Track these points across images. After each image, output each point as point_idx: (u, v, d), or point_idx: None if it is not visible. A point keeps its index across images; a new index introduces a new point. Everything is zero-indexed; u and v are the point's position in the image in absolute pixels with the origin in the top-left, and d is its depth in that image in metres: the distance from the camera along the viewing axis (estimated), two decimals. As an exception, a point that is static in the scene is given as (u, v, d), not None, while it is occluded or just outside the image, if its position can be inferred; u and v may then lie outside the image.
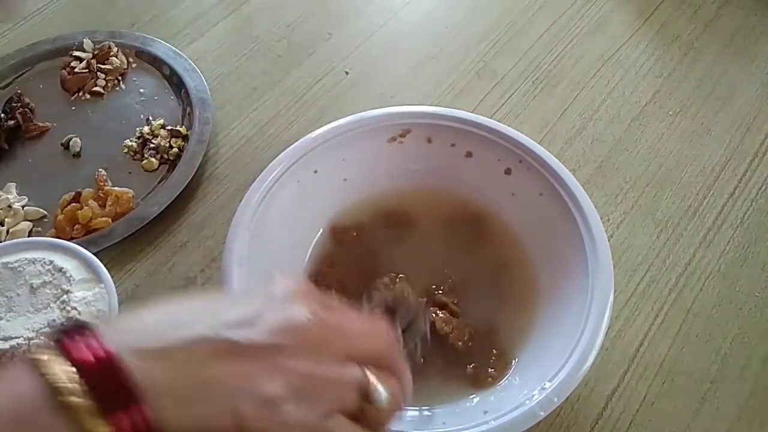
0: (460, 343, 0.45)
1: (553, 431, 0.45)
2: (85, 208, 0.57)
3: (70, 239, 0.55)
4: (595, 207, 0.45)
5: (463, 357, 0.45)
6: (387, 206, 0.52)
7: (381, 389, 0.28)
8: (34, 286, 0.48)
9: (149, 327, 0.26)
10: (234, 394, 0.25)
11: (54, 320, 0.46)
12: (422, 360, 0.45)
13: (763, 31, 0.69)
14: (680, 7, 0.72)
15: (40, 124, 0.65)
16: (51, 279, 0.48)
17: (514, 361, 0.44)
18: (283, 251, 0.49)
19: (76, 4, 0.76)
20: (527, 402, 0.38)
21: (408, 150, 0.52)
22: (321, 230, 0.52)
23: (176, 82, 0.67)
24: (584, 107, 0.64)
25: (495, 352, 0.45)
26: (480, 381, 0.44)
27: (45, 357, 0.24)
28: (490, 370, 0.44)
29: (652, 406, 0.46)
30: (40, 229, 0.58)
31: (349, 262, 0.50)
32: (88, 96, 0.67)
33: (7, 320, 0.46)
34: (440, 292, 0.48)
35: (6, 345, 0.45)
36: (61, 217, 0.57)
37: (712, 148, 0.60)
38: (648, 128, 0.62)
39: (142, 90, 0.67)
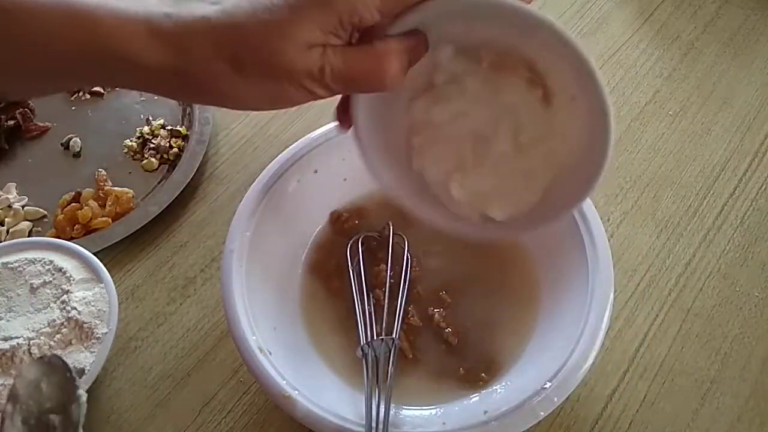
0: (457, 340, 0.45)
1: (553, 431, 0.45)
2: (85, 208, 0.57)
3: (70, 239, 0.55)
4: (595, 207, 0.45)
5: (457, 357, 0.45)
6: (387, 206, 0.52)
7: None
8: (34, 286, 0.48)
9: None
10: None
11: (54, 320, 0.46)
12: (411, 356, 0.45)
13: (763, 31, 0.69)
14: (680, 7, 0.72)
15: (40, 124, 0.65)
16: (51, 279, 0.49)
17: (508, 365, 0.44)
18: (283, 251, 0.49)
19: (76, 4, 0.76)
20: (527, 402, 0.38)
21: (408, 150, 0.52)
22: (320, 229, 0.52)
23: (176, 82, 0.66)
24: (584, 107, 0.64)
25: (489, 355, 0.45)
26: (471, 383, 0.44)
27: None
28: (482, 374, 0.44)
29: (652, 406, 0.46)
30: (40, 229, 0.58)
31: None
32: (88, 96, 0.67)
33: (7, 320, 0.47)
34: (443, 292, 0.48)
35: (6, 345, 0.45)
36: (61, 217, 0.57)
37: (712, 148, 0.60)
38: (648, 128, 0.62)
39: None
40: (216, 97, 0.31)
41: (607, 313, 0.41)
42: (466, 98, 0.37)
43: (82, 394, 0.39)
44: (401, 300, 0.45)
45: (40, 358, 0.40)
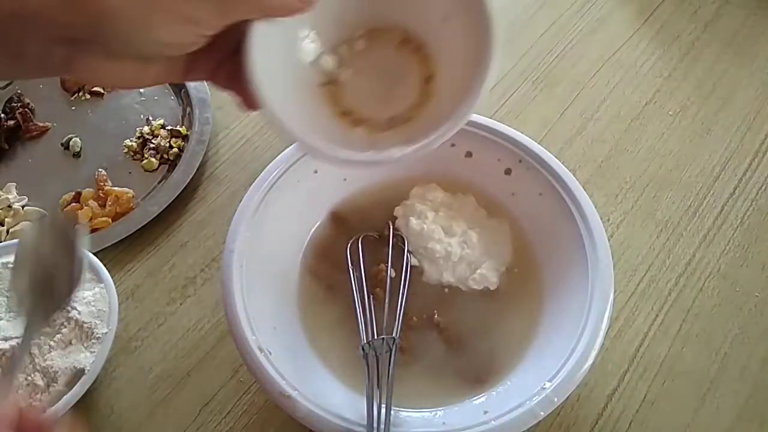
0: (457, 340, 0.46)
1: (553, 431, 0.45)
2: (85, 208, 0.57)
3: (70, 239, 0.55)
4: (595, 207, 0.45)
5: (457, 357, 0.45)
6: (387, 206, 0.52)
7: None
8: (34, 286, 0.48)
9: None
10: None
11: (54, 320, 0.46)
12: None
13: (763, 31, 0.69)
14: (680, 7, 0.72)
15: (40, 124, 0.65)
16: (51, 279, 0.48)
17: (508, 366, 0.44)
18: (283, 251, 0.49)
19: (76, 4, 0.76)
20: (527, 402, 0.38)
21: (408, 150, 0.52)
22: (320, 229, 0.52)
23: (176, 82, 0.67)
24: (584, 107, 0.64)
25: (489, 355, 0.45)
26: (471, 383, 0.44)
27: None
28: (482, 374, 0.44)
29: (652, 406, 0.46)
30: (40, 229, 0.58)
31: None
32: (88, 96, 0.67)
33: (7, 320, 0.47)
34: (445, 290, 0.48)
35: (6, 345, 0.45)
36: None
37: (712, 148, 0.60)
38: (648, 128, 0.62)
39: (142, 90, 0.67)
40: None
41: (607, 313, 0.41)
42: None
43: (84, 252, 0.39)
44: (401, 300, 0.45)
45: (41, 218, 0.40)
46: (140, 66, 0.30)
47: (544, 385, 0.38)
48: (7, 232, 0.58)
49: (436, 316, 0.47)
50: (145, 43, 0.29)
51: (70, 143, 0.63)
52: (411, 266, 0.48)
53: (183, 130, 0.63)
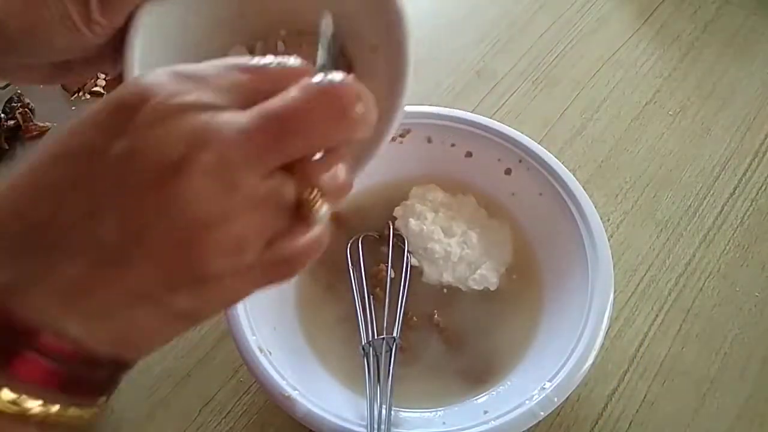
0: (457, 340, 0.46)
1: (553, 431, 0.45)
2: (85, 208, 0.57)
3: (70, 239, 0.55)
4: (595, 207, 0.45)
5: (457, 357, 0.45)
6: (387, 206, 0.52)
7: None
8: (34, 286, 0.48)
9: None
10: None
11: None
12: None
13: (763, 31, 0.69)
14: (680, 7, 0.72)
15: (40, 124, 0.65)
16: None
17: (508, 365, 0.44)
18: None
19: (76, 4, 0.76)
20: (527, 402, 0.38)
21: (408, 150, 0.52)
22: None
23: (176, 82, 0.66)
24: (584, 107, 0.64)
25: (489, 355, 0.45)
26: (471, 383, 0.44)
27: None
28: (482, 374, 0.44)
29: (652, 406, 0.46)
30: (40, 229, 0.58)
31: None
32: (88, 96, 0.67)
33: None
34: (444, 290, 0.48)
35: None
36: (61, 217, 0.57)
37: (712, 148, 0.60)
38: (648, 128, 0.62)
39: (142, 90, 0.67)
40: None
41: (607, 313, 0.41)
42: None
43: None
44: (401, 300, 0.45)
45: None
46: (56, 67, 0.29)
47: (544, 385, 0.38)
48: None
49: (436, 316, 0.47)
50: (44, 50, 0.28)
51: (70, 143, 0.63)
52: (411, 266, 0.48)
53: (183, 130, 0.63)
